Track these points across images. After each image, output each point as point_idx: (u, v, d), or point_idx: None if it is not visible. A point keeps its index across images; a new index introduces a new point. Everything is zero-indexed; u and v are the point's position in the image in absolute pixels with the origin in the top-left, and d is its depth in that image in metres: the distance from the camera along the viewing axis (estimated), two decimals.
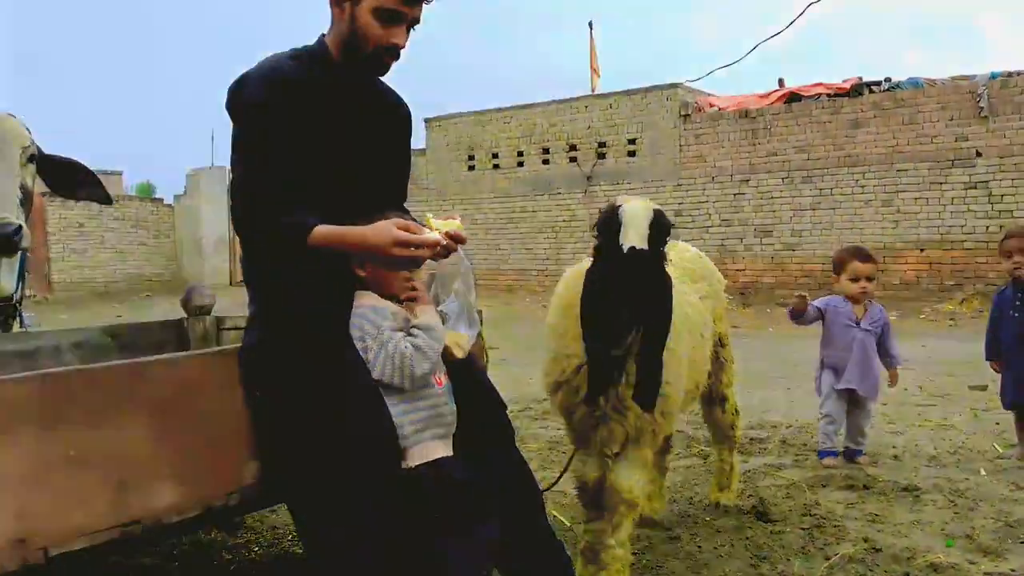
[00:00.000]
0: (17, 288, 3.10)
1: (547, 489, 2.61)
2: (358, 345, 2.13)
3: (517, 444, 2.48)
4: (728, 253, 14.69)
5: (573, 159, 16.80)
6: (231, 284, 20.62)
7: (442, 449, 2.15)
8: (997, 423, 5.01)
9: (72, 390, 1.86)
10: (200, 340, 3.45)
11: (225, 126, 2.32)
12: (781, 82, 15.47)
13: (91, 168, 3.23)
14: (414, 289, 2.25)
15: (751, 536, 3.22)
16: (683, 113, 15.42)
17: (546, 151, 17.22)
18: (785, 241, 14.39)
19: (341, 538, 2.02)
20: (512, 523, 2.23)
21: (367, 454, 2.03)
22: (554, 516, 3.36)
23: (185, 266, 22.53)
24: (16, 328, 3.18)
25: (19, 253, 2.92)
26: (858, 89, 13.91)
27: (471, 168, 18.39)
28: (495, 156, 17.98)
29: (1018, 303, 4.21)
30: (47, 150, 3.09)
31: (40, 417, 1.78)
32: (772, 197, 14.49)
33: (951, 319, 11.40)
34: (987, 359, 4.51)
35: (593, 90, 17.59)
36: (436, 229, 2.17)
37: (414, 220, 2.30)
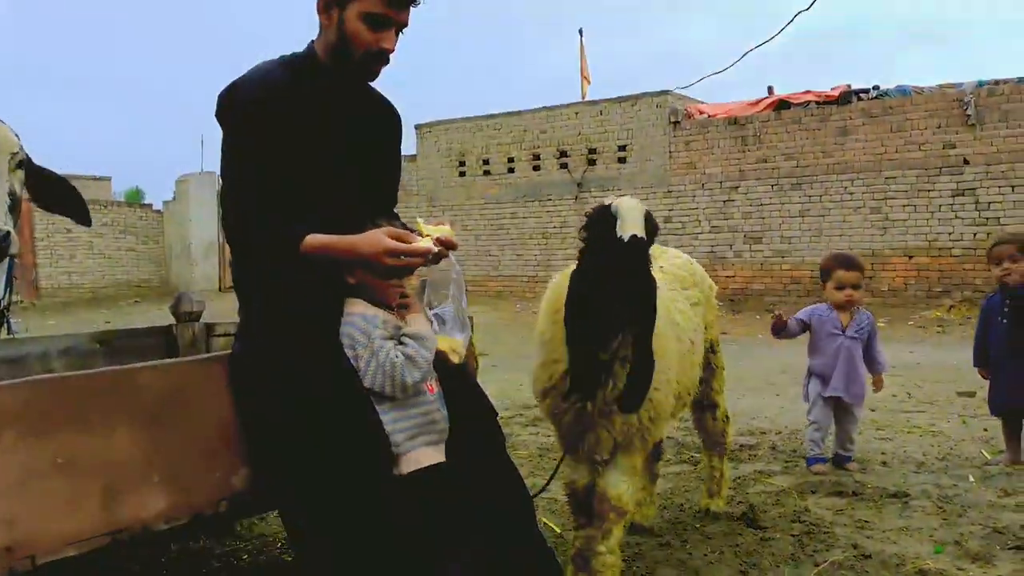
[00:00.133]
0: (5, 294, 3.09)
1: (536, 495, 2.60)
2: (348, 353, 2.13)
3: (507, 451, 2.48)
4: (718, 260, 14.74)
5: (564, 166, 16.84)
6: (220, 290, 20.55)
7: (434, 456, 2.15)
8: (985, 429, 5.03)
9: (60, 397, 1.85)
10: (189, 346, 3.43)
11: (214, 132, 2.32)
12: (770, 90, 15.56)
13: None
14: (405, 296, 2.25)
15: (741, 543, 3.22)
16: (673, 120, 15.48)
17: (536, 157, 17.26)
18: (775, 248, 14.45)
19: (332, 546, 2.02)
20: (502, 530, 2.23)
21: (359, 462, 2.03)
22: (544, 523, 3.35)
23: (174, 272, 22.45)
24: (3, 334, 3.16)
25: (7, 259, 2.91)
26: (846, 97, 14.00)
27: (462, 174, 18.40)
28: (486, 162, 18.00)
29: (1006, 309, 4.23)
30: (35, 156, 3.07)
31: (27, 424, 1.77)
32: (761, 204, 14.56)
33: (939, 326, 11.46)
34: (975, 365, 4.53)
35: (583, 97, 17.64)
36: (427, 234, 2.17)
37: (405, 226, 2.30)
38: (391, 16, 2.20)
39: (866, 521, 3.44)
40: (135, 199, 29.46)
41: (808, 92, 14.67)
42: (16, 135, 2.94)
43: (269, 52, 2.38)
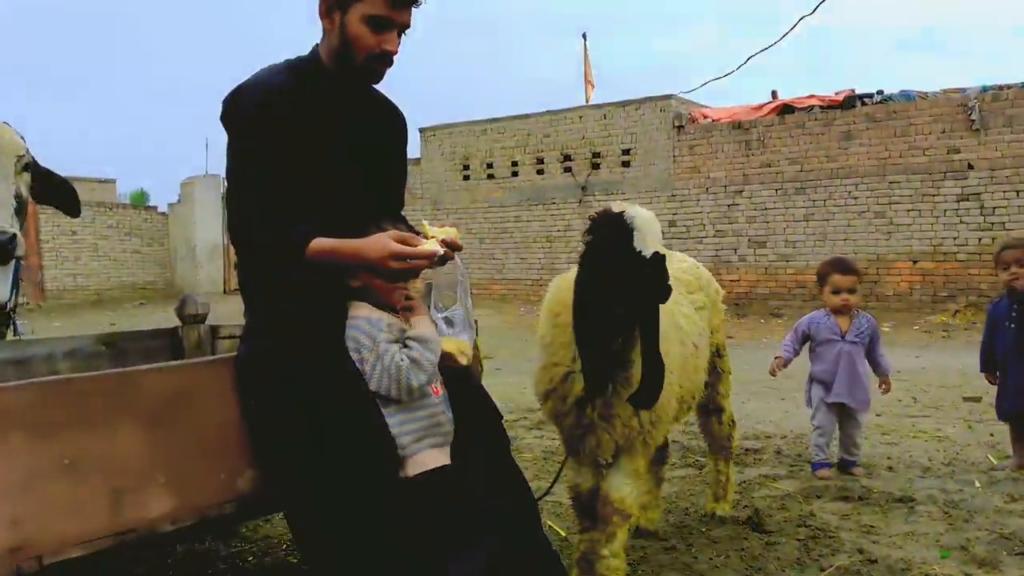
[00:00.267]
0: (11, 296, 3.10)
1: (540, 498, 2.60)
2: (354, 356, 2.13)
3: (512, 453, 2.48)
4: (722, 264, 14.72)
5: (567, 169, 16.84)
6: (225, 292, 20.58)
7: (440, 458, 2.15)
8: (991, 434, 5.02)
9: (66, 398, 1.85)
10: (194, 349, 3.43)
11: (219, 135, 2.33)
12: (774, 94, 15.55)
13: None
14: (409, 299, 2.25)
15: (746, 547, 3.22)
16: (677, 124, 15.48)
17: (540, 161, 17.27)
18: (779, 252, 14.44)
19: (338, 548, 2.02)
20: (507, 533, 2.23)
21: (364, 464, 2.02)
22: (549, 526, 3.35)
23: (179, 274, 22.49)
24: (9, 336, 3.17)
25: (13, 261, 2.92)
26: (851, 101, 13.99)
27: (466, 178, 18.42)
28: (490, 166, 18.02)
29: (1014, 314, 4.22)
30: (39, 159, 3.09)
31: (34, 425, 1.78)
32: (766, 208, 14.55)
33: (944, 331, 11.44)
34: (982, 371, 4.52)
35: (587, 101, 17.66)
36: (432, 236, 2.17)
37: (411, 229, 2.31)
38: (393, 18, 2.20)
39: (872, 526, 3.43)
40: (140, 201, 29.50)
41: (812, 96, 14.66)
42: (22, 138, 2.96)
43: (275, 54, 2.38)
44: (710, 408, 3.49)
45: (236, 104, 2.23)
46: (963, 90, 13.27)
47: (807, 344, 4.41)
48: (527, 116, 17.54)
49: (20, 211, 2.88)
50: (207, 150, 36.15)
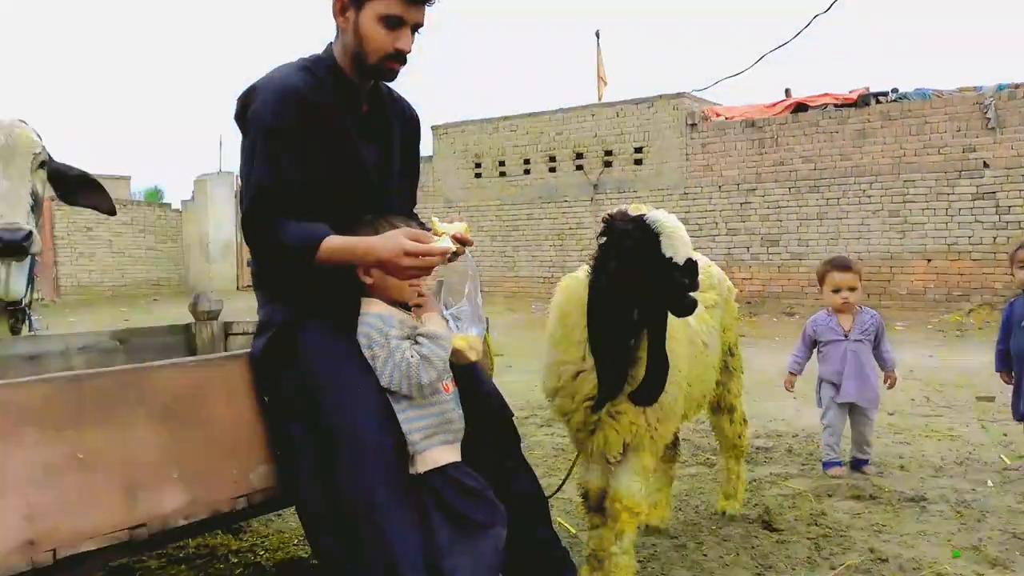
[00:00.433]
0: (26, 292, 3.12)
1: (551, 496, 2.61)
2: (366, 353, 2.14)
3: (522, 451, 2.48)
4: (735, 262, 14.67)
5: (580, 167, 16.81)
6: (238, 289, 20.67)
7: (451, 455, 2.16)
8: (1005, 434, 4.99)
9: (80, 394, 1.87)
10: (207, 345, 3.46)
11: (233, 133, 2.34)
12: (788, 92, 15.47)
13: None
14: (421, 296, 2.26)
15: (757, 545, 3.21)
16: (690, 122, 15.42)
17: (552, 159, 17.24)
18: (792, 251, 14.37)
19: (350, 544, 2.03)
20: (517, 530, 2.24)
21: (376, 460, 2.03)
22: (559, 523, 3.36)
23: (192, 271, 22.59)
24: (25, 331, 3.19)
25: (29, 257, 2.95)
26: (865, 99, 13.89)
27: (477, 176, 18.41)
28: (501, 164, 18.00)
29: None
30: (56, 155, 3.11)
31: (48, 420, 1.79)
32: (779, 207, 14.48)
33: (958, 330, 11.37)
34: (997, 370, 4.48)
35: (600, 98, 17.62)
36: (442, 232, 2.18)
37: (423, 226, 2.32)
38: (407, 17, 2.21)
39: (883, 525, 3.42)
40: (154, 198, 29.64)
41: (826, 95, 14.57)
42: (38, 135, 2.98)
43: (290, 51, 2.38)
44: (722, 406, 3.49)
45: (251, 104, 2.24)
46: (979, 88, 13.16)
47: (816, 346, 4.41)
48: (539, 114, 17.50)
49: (36, 208, 2.91)
50: (221, 148, 36.35)
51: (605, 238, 2.38)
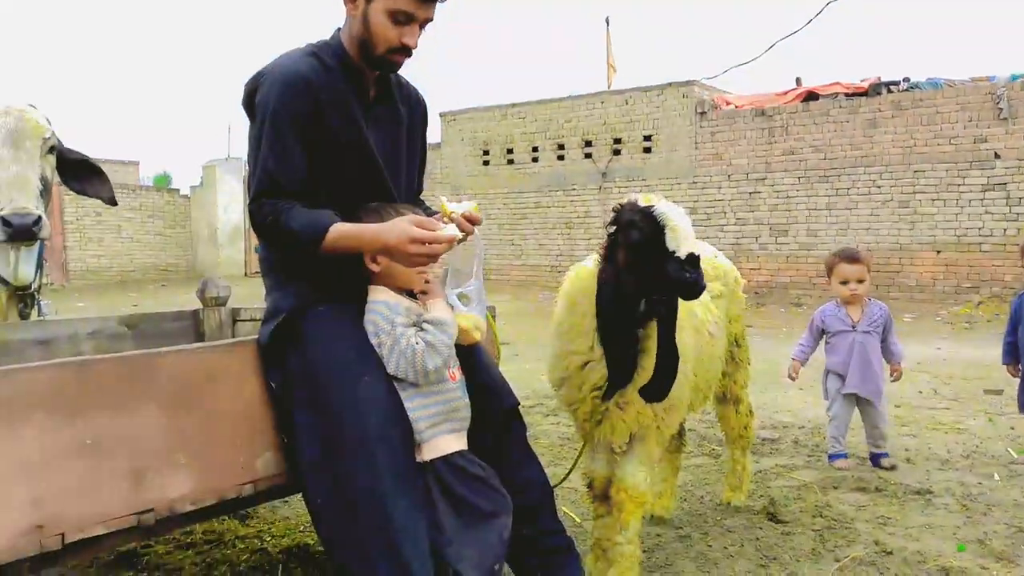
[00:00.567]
0: (35, 276, 3.13)
1: (556, 485, 2.61)
2: (372, 340, 2.15)
3: (528, 440, 2.49)
4: (743, 252, 14.63)
5: (588, 155, 16.77)
6: (246, 275, 20.72)
7: (457, 443, 2.17)
8: (1012, 427, 4.98)
9: (88, 379, 1.88)
10: (215, 331, 3.47)
11: (241, 119, 2.34)
12: (798, 81, 15.38)
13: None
14: (427, 283, 2.26)
15: (761, 536, 3.22)
16: (699, 111, 15.36)
17: (561, 147, 17.20)
18: (801, 241, 14.32)
19: (355, 531, 2.04)
20: (523, 519, 2.24)
21: (382, 448, 2.04)
22: (565, 512, 3.36)
23: (200, 256, 22.66)
24: (34, 316, 3.21)
25: (38, 242, 2.96)
26: (876, 89, 13.80)
27: (485, 163, 18.38)
28: (510, 151, 17.97)
29: None
30: (65, 141, 3.12)
31: (57, 405, 1.80)
32: (788, 196, 14.42)
33: (967, 322, 11.32)
34: (1004, 363, 4.47)
35: (609, 86, 17.55)
36: (451, 212, 2.18)
37: (430, 212, 2.31)
38: (416, 13, 2.20)
39: (888, 517, 3.42)
40: (163, 184, 29.67)
41: (837, 84, 14.48)
42: (48, 120, 2.98)
43: (297, 38, 2.38)
44: (728, 397, 3.49)
45: (259, 91, 2.24)
46: (992, 78, 13.06)
47: (823, 336, 4.40)
48: (548, 101, 17.45)
49: (45, 193, 2.91)
50: (229, 134, 36.33)
51: (614, 227, 2.37)
